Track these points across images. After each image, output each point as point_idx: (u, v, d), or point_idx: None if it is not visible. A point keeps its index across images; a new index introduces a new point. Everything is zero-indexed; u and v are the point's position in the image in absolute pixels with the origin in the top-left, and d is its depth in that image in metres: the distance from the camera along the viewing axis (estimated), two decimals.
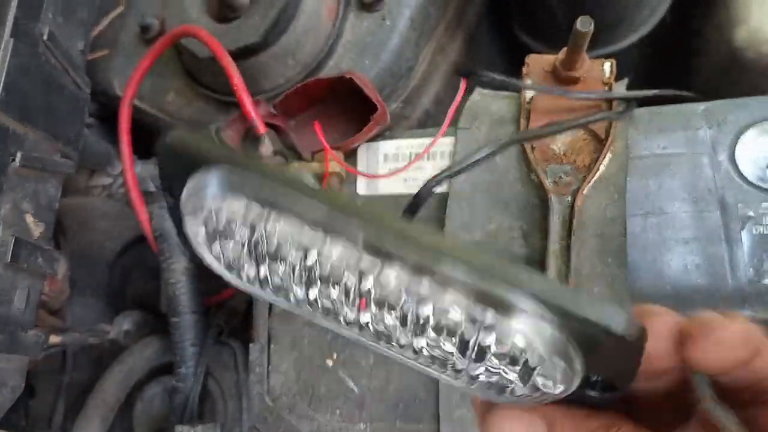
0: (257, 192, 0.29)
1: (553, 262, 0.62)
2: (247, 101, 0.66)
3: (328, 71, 0.83)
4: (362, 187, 0.71)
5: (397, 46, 0.83)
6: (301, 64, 0.82)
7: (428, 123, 0.95)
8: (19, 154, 0.56)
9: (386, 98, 0.84)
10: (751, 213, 0.62)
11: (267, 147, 0.65)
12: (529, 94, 0.69)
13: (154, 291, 0.89)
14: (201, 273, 0.89)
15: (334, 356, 0.67)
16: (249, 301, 0.82)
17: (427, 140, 0.71)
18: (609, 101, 0.66)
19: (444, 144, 0.71)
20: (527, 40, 1.03)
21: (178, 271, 0.79)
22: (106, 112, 0.99)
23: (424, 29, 0.86)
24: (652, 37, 0.99)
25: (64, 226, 0.99)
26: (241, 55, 0.79)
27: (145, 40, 0.93)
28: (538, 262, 0.64)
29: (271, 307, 0.70)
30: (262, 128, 0.65)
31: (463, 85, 0.70)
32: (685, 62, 1.04)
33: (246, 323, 0.79)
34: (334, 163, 0.65)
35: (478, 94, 0.74)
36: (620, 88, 0.70)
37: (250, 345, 0.70)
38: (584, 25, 0.59)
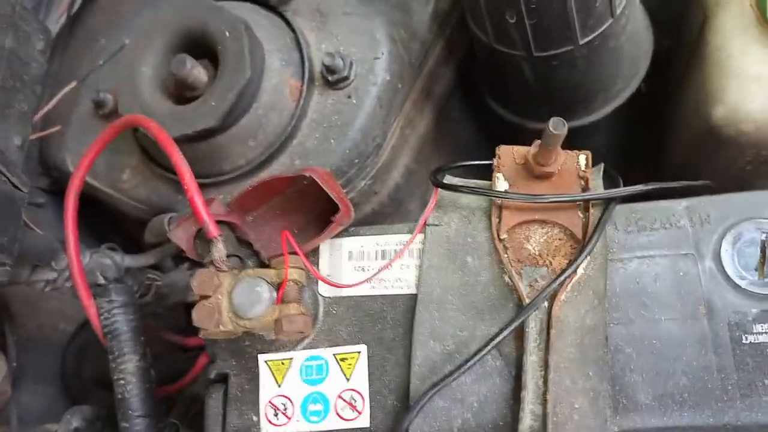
0: None
1: (530, 377, 0.58)
2: (198, 202, 0.61)
3: (292, 150, 0.80)
4: (324, 289, 0.67)
5: (364, 125, 0.79)
6: (263, 144, 0.78)
7: (399, 195, 0.91)
8: None
9: (354, 176, 0.81)
10: (739, 320, 0.58)
11: (220, 252, 0.60)
12: (501, 188, 0.65)
13: None
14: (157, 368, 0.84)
15: None
16: None
17: (393, 237, 0.67)
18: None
19: (413, 242, 0.66)
20: (499, 110, 1.00)
21: (128, 371, 0.74)
22: (59, 186, 0.94)
23: (392, 106, 0.83)
24: (627, 108, 0.96)
25: (10, 311, 0.93)
26: (198, 138, 0.75)
27: (99, 116, 0.88)
28: (514, 376, 0.59)
29: (224, 424, 0.64)
30: (214, 231, 0.60)
31: (435, 195, 0.66)
32: (660, 132, 1.02)
33: None
34: (293, 270, 0.60)
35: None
36: (596, 177, 0.66)
37: None
38: (557, 127, 0.55)
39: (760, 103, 0.78)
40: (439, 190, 0.66)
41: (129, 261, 0.79)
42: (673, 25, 1.01)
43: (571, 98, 0.92)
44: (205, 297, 0.59)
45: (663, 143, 1.02)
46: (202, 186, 0.77)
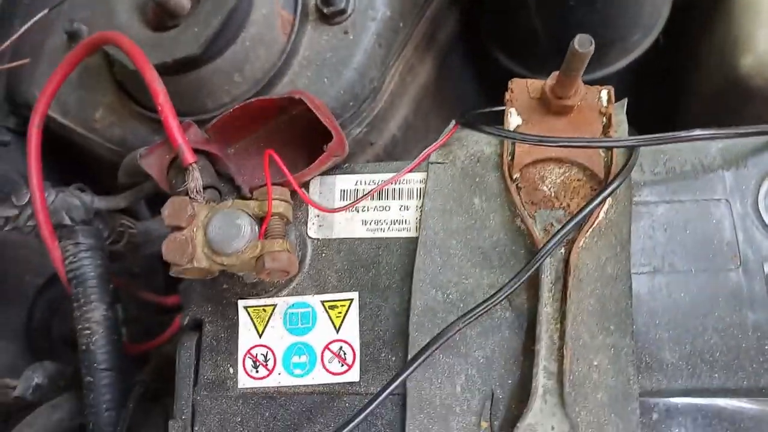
0: None
1: (544, 330, 0.51)
2: (172, 124, 0.54)
3: (282, 89, 0.73)
4: (314, 230, 0.60)
5: (360, 64, 0.73)
6: (250, 80, 0.72)
7: (395, 150, 0.85)
8: None
9: (348, 122, 0.75)
10: None
11: (196, 180, 0.53)
12: (513, 124, 0.58)
13: None
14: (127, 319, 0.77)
15: None
16: None
17: (392, 175, 0.60)
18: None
19: (413, 181, 0.60)
20: (506, 62, 0.93)
21: (93, 320, 0.67)
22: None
23: (391, 46, 0.76)
24: (645, 60, 0.90)
25: None
26: (179, 68, 0.68)
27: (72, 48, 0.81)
28: (526, 329, 0.52)
29: (197, 376, 0.57)
30: (189, 157, 0.53)
31: (453, 128, 0.59)
32: (680, 85, 0.95)
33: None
34: (278, 202, 0.53)
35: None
36: (620, 113, 0.59)
37: (170, 422, 0.57)
38: (583, 45, 0.48)
39: None
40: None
41: (99, 202, 0.72)
42: None
43: None
44: (177, 228, 0.51)
45: (680, 101, 0.95)
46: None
